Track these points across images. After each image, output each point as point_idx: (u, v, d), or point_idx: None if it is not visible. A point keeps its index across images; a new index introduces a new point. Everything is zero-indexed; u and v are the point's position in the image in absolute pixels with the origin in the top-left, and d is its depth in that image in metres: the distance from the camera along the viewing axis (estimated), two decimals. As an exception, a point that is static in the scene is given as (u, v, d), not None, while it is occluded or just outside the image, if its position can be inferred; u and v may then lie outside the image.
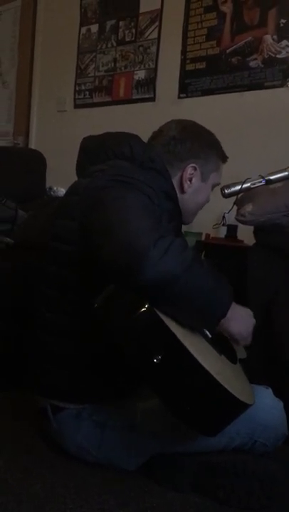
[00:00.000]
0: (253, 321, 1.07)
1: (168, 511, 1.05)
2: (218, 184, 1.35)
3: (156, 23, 2.79)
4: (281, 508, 1.08)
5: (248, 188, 1.44)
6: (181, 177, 1.25)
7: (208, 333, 1.04)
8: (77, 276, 1.11)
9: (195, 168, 1.25)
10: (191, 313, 0.95)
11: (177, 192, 1.25)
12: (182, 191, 1.26)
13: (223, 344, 1.09)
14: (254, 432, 1.12)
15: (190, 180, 1.26)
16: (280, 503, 1.08)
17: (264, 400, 1.11)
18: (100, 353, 1.11)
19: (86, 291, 0.99)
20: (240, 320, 1.02)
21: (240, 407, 0.95)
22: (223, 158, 1.32)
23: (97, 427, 1.16)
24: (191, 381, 0.92)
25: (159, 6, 2.77)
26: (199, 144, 1.26)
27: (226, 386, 0.90)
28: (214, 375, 0.89)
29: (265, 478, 1.09)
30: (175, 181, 1.25)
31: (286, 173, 1.46)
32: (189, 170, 1.25)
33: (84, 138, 1.29)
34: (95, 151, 1.23)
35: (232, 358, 1.11)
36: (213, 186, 1.33)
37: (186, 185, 1.25)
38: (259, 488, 1.08)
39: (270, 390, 1.16)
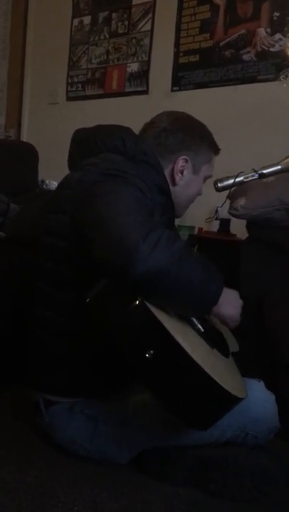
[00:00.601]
0: (241, 302, 1.08)
1: (160, 504, 1.06)
2: (210, 176, 1.34)
3: (150, 15, 2.77)
4: (272, 501, 1.09)
5: (241, 182, 1.44)
6: (173, 169, 1.25)
7: (200, 327, 1.04)
8: (74, 272, 1.11)
9: (186, 161, 1.25)
10: (183, 304, 0.96)
11: (169, 185, 1.24)
12: (174, 184, 1.25)
13: (215, 338, 1.09)
14: (246, 425, 1.12)
15: (181, 172, 1.25)
16: (271, 496, 1.09)
17: (256, 393, 1.11)
18: (95, 348, 1.11)
19: (83, 287, 0.98)
20: (229, 303, 1.04)
21: (233, 400, 0.95)
22: (216, 150, 1.32)
23: (90, 420, 1.16)
24: (183, 376, 0.92)
25: (152, -2, 2.75)
26: (191, 135, 1.25)
27: (218, 380, 0.90)
28: (206, 370, 0.90)
29: (257, 471, 1.09)
30: (166, 174, 1.24)
31: (279, 167, 1.46)
32: (180, 162, 1.24)
33: (76, 130, 1.28)
34: (87, 143, 1.22)
35: (224, 351, 1.11)
36: (205, 178, 1.32)
37: (177, 178, 1.25)
38: (250, 481, 1.08)
39: (262, 383, 1.16)
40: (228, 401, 0.95)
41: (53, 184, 2.67)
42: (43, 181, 2.70)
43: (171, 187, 1.25)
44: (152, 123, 1.28)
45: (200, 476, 1.11)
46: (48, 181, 2.68)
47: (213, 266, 0.98)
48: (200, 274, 0.94)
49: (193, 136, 1.25)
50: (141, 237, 0.88)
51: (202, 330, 1.05)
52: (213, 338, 1.07)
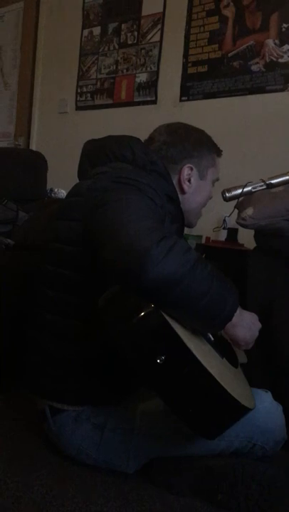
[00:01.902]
0: (259, 325, 1.06)
1: (166, 514, 1.05)
2: (217, 179, 1.35)
3: (159, 26, 2.80)
4: (280, 512, 1.08)
5: (249, 192, 1.44)
6: (180, 179, 1.26)
7: (210, 335, 1.04)
8: (82, 278, 1.11)
9: (191, 168, 1.26)
10: (194, 317, 0.93)
11: (178, 194, 1.25)
12: (183, 192, 1.27)
13: (224, 347, 1.09)
14: (253, 436, 1.12)
15: (188, 180, 1.27)
16: (278, 508, 1.08)
17: (263, 403, 1.11)
18: (101, 355, 1.11)
19: (91, 293, 0.98)
20: (246, 326, 1.01)
21: (242, 410, 0.95)
22: (217, 152, 1.33)
23: (96, 429, 1.15)
24: (193, 383, 0.92)
25: (161, 9, 2.78)
26: (190, 143, 1.27)
27: (228, 389, 0.90)
28: (217, 378, 0.89)
29: (264, 482, 1.08)
30: (175, 184, 1.26)
31: (287, 177, 1.46)
32: (186, 171, 1.26)
33: (86, 142, 1.30)
34: (97, 154, 1.24)
35: (233, 361, 1.11)
36: (213, 182, 1.34)
37: (185, 186, 1.26)
38: (258, 492, 1.07)
39: (269, 394, 1.16)
40: (236, 411, 0.95)
41: (62, 193, 2.69)
42: (51, 190, 2.71)
43: (180, 196, 1.27)
44: (151, 139, 1.30)
45: (207, 487, 1.10)
46: (56, 190, 2.70)
47: (230, 282, 0.96)
48: (214, 286, 0.91)
49: (192, 144, 1.27)
50: (154, 242, 0.87)
51: (212, 339, 1.05)
52: (223, 348, 1.07)
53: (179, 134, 1.28)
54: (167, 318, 0.91)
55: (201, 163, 1.28)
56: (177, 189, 1.26)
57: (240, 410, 0.95)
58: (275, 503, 1.07)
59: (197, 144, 1.28)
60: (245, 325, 1.00)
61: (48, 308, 1.17)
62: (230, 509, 1.07)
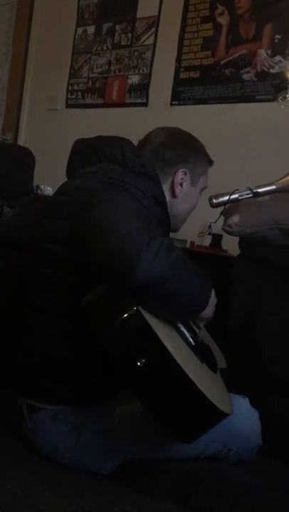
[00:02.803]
0: (215, 300, 1.10)
1: (140, 517, 1.05)
2: (205, 187, 1.37)
3: (153, 30, 2.81)
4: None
5: (236, 200, 1.46)
6: (172, 182, 1.27)
7: (191, 340, 1.05)
8: (70, 278, 1.11)
9: (185, 173, 1.27)
10: (175, 310, 0.99)
11: (168, 197, 1.26)
12: (173, 196, 1.28)
13: (204, 353, 1.10)
14: (229, 441, 1.13)
15: (180, 184, 1.27)
16: (251, 513, 1.09)
17: (241, 409, 1.12)
18: (83, 355, 1.11)
19: (78, 293, 0.99)
20: (209, 306, 1.06)
21: (219, 415, 0.96)
22: (210, 161, 1.35)
23: (73, 429, 1.15)
24: (172, 386, 0.93)
25: (156, 13, 2.79)
26: (187, 148, 1.28)
27: (207, 394, 0.91)
28: (196, 382, 0.90)
29: (238, 487, 1.09)
30: (166, 187, 1.26)
31: (274, 186, 1.48)
32: (180, 175, 1.27)
33: (76, 140, 1.29)
34: (87, 153, 1.23)
35: (213, 366, 1.12)
36: (202, 190, 1.35)
37: (177, 190, 1.27)
38: (231, 497, 1.08)
39: (247, 400, 1.17)
40: (214, 415, 0.96)
41: (48, 190, 2.68)
42: (38, 186, 2.70)
43: (170, 199, 1.27)
44: (148, 140, 1.31)
45: (181, 490, 1.11)
46: (43, 186, 2.69)
47: (205, 274, 1.02)
48: (194, 283, 0.98)
49: (189, 149, 1.28)
50: (143, 244, 0.90)
51: (193, 343, 1.06)
52: (203, 353, 1.08)
53: (177, 138, 1.29)
54: (149, 321, 0.92)
55: (195, 170, 1.29)
56: (168, 192, 1.27)
57: (217, 415, 0.96)
58: (249, 508, 1.08)
59: (193, 151, 1.29)
60: (209, 307, 1.05)
61: (32, 306, 1.17)
62: (203, 513, 1.08)
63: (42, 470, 1.16)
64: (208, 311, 1.06)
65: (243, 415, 1.13)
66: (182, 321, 1.07)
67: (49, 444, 1.17)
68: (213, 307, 1.09)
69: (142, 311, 0.92)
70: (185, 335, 1.05)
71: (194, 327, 1.12)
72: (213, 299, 1.08)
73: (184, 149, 1.27)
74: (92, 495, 1.09)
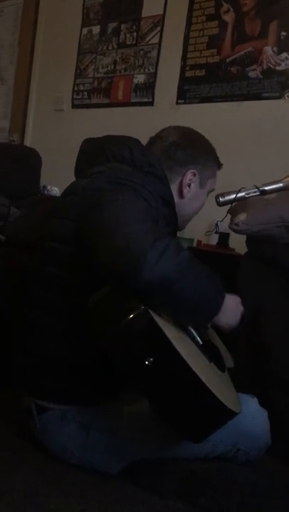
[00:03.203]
0: (242, 308, 1.09)
1: (149, 516, 1.05)
2: (212, 190, 1.36)
3: (158, 29, 2.80)
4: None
5: (243, 198, 1.45)
6: (181, 182, 1.26)
7: (199, 339, 1.05)
8: (75, 278, 1.11)
9: (194, 174, 1.26)
10: (185, 313, 0.97)
11: (175, 197, 1.26)
12: (181, 196, 1.27)
13: (212, 352, 1.10)
14: (237, 441, 1.13)
15: (189, 185, 1.27)
16: (260, 512, 1.09)
17: (249, 409, 1.12)
18: (90, 356, 1.11)
19: (82, 293, 0.99)
20: (229, 312, 1.04)
21: (228, 415, 0.96)
22: (219, 164, 1.34)
23: (82, 428, 1.15)
24: (181, 385, 0.93)
25: (161, 12, 2.79)
26: (199, 150, 1.27)
27: (215, 393, 0.91)
28: (204, 381, 0.90)
29: (246, 487, 1.09)
30: (174, 186, 1.26)
31: (281, 184, 1.47)
32: (189, 175, 1.26)
33: (84, 140, 1.30)
34: (95, 153, 1.23)
35: (220, 366, 1.11)
36: (209, 192, 1.34)
37: (185, 191, 1.26)
38: (239, 497, 1.08)
39: (255, 400, 1.16)
40: (223, 414, 0.95)
41: (55, 190, 2.68)
42: (44, 187, 2.71)
43: (178, 200, 1.26)
44: (159, 137, 1.29)
45: (189, 490, 1.10)
46: (49, 187, 2.69)
47: (217, 277, 1.00)
48: (204, 285, 0.96)
49: (200, 151, 1.27)
50: (148, 244, 0.89)
51: (200, 343, 1.05)
52: (210, 352, 1.07)
53: (189, 138, 1.28)
54: (157, 320, 0.91)
55: (203, 172, 1.28)
56: (175, 192, 1.26)
57: (226, 414, 0.96)
58: (256, 508, 1.08)
59: (204, 152, 1.28)
60: (228, 312, 1.03)
61: (33, 306, 1.17)
62: (212, 512, 1.07)
63: (50, 469, 1.17)
64: (228, 319, 1.04)
65: (251, 415, 1.12)
66: (193, 325, 1.05)
67: (58, 444, 1.17)
68: (237, 316, 1.07)
69: (150, 310, 0.92)
70: (193, 334, 1.05)
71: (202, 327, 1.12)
72: (235, 307, 1.06)
73: (195, 150, 1.27)
74: (100, 494, 1.10)
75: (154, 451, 1.14)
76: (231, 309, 1.05)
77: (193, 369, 0.90)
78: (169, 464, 1.13)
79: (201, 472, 1.11)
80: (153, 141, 1.30)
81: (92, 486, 1.13)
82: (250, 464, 1.16)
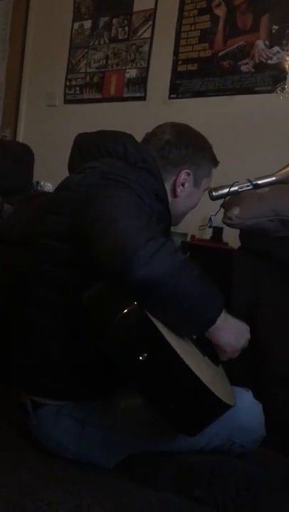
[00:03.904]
0: (248, 336, 1.06)
1: (145, 509, 1.06)
2: (208, 188, 1.36)
3: (150, 23, 2.79)
4: (257, 509, 1.09)
5: (236, 192, 1.46)
6: (175, 182, 1.26)
7: (193, 334, 1.06)
8: (69, 274, 1.11)
9: (189, 174, 1.26)
10: (178, 318, 0.95)
11: (169, 196, 1.25)
12: (175, 195, 1.27)
13: (206, 346, 1.10)
14: (232, 434, 1.13)
15: (183, 185, 1.26)
16: (255, 504, 1.09)
17: (244, 402, 1.12)
18: (85, 352, 1.11)
19: (77, 290, 0.98)
20: (230, 331, 1.01)
21: (223, 408, 0.96)
22: (215, 163, 1.33)
23: (77, 424, 1.15)
24: (175, 380, 0.93)
25: (153, 6, 2.77)
26: (193, 149, 1.26)
27: (210, 386, 0.91)
28: (198, 375, 0.90)
29: (242, 480, 1.09)
30: (168, 185, 1.26)
31: (273, 178, 1.48)
32: (183, 175, 1.25)
33: (78, 134, 1.29)
34: (89, 148, 1.23)
35: (215, 360, 1.12)
36: (204, 190, 1.34)
37: (178, 190, 1.26)
38: (235, 489, 1.09)
39: (250, 393, 1.17)
40: (217, 408, 0.96)
41: (48, 186, 2.67)
42: (37, 183, 2.70)
43: (171, 198, 1.26)
44: (154, 134, 1.29)
45: (185, 483, 1.11)
46: (42, 183, 2.68)
47: (215, 286, 0.97)
48: (199, 290, 0.93)
49: (195, 151, 1.26)
50: (141, 242, 0.89)
51: (194, 337, 1.06)
52: (204, 346, 1.08)
53: (185, 138, 1.27)
54: (150, 315, 0.92)
55: (198, 171, 1.28)
56: (169, 191, 1.26)
57: (221, 407, 0.96)
58: (252, 500, 1.09)
59: (199, 152, 1.27)
60: (229, 330, 1.01)
61: (33, 304, 1.17)
62: (208, 505, 1.08)
63: (46, 464, 1.17)
64: (229, 337, 1.01)
65: (246, 408, 1.13)
66: (190, 332, 1.03)
67: (54, 439, 1.18)
68: (239, 340, 1.03)
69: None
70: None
71: None
72: (237, 327, 1.03)
73: (189, 151, 1.25)
74: (95, 488, 1.10)
75: (150, 445, 1.14)
76: (237, 331, 1.03)
77: (187, 363, 0.90)
78: (165, 458, 1.14)
79: (197, 465, 1.11)
80: (148, 138, 1.30)
81: (88, 480, 1.13)
82: (245, 456, 1.16)
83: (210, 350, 1.10)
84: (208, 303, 0.95)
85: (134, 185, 1.08)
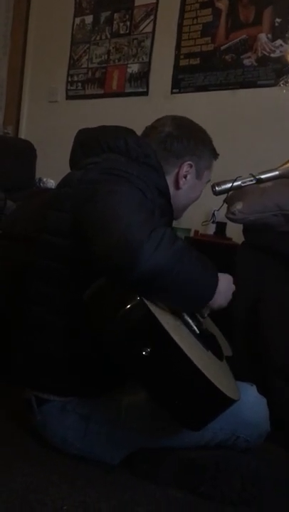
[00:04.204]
0: (233, 287, 1.10)
1: (149, 505, 1.06)
2: (208, 181, 1.35)
3: (152, 17, 2.78)
4: (262, 504, 1.09)
5: (239, 187, 1.44)
6: (177, 174, 1.25)
7: (195, 328, 1.05)
8: (71, 271, 1.11)
9: (191, 166, 1.26)
10: (180, 300, 0.98)
11: (171, 188, 1.25)
12: (177, 187, 1.26)
13: (209, 340, 1.10)
14: (237, 428, 1.13)
15: (185, 177, 1.26)
16: (260, 499, 1.09)
17: (248, 396, 1.12)
18: (88, 348, 1.11)
19: (79, 286, 0.98)
20: (222, 295, 1.05)
21: (227, 402, 0.96)
22: (215, 155, 1.33)
23: (82, 420, 1.16)
24: (179, 374, 0.93)
25: (154, 0, 2.76)
26: (195, 141, 1.26)
27: (214, 381, 0.91)
28: (202, 370, 0.90)
29: (246, 474, 1.09)
30: (171, 178, 1.25)
31: (277, 172, 1.46)
32: (185, 167, 1.25)
33: (79, 130, 1.28)
34: (90, 143, 1.22)
35: (218, 354, 1.12)
36: (205, 183, 1.34)
37: (181, 182, 1.26)
38: (240, 484, 1.09)
39: (254, 387, 1.17)
40: (221, 402, 0.96)
41: (50, 182, 2.67)
42: (40, 179, 2.69)
43: (174, 191, 1.26)
44: (154, 128, 1.28)
45: (190, 478, 1.11)
46: (45, 179, 2.68)
47: (210, 263, 1.01)
48: (199, 272, 0.97)
49: (197, 142, 1.26)
50: (144, 236, 0.89)
51: (197, 331, 1.05)
52: (208, 341, 1.08)
53: (186, 129, 1.26)
54: (153, 310, 0.91)
55: (200, 163, 1.27)
56: (171, 184, 1.25)
57: (225, 402, 0.96)
58: (258, 495, 1.09)
59: (200, 143, 1.27)
60: (221, 295, 1.04)
61: (34, 301, 1.17)
62: (213, 500, 1.08)
63: (51, 461, 1.17)
64: (221, 299, 1.05)
65: (250, 402, 1.13)
66: (189, 311, 1.06)
67: (58, 435, 1.18)
68: (229, 295, 1.08)
69: (145, 300, 0.92)
70: (189, 323, 1.05)
71: (198, 316, 1.12)
72: (227, 288, 1.07)
73: (191, 142, 1.25)
74: (100, 485, 1.10)
75: (154, 441, 1.14)
76: (224, 291, 1.06)
77: (191, 358, 0.90)
78: (169, 453, 1.14)
79: (201, 460, 1.11)
80: (148, 131, 1.29)
81: (92, 476, 1.13)
82: (250, 451, 1.16)
83: (213, 344, 1.10)
84: (208, 282, 0.99)
85: (135, 179, 1.07)
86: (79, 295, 0.97)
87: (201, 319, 1.13)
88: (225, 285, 1.07)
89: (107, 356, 0.97)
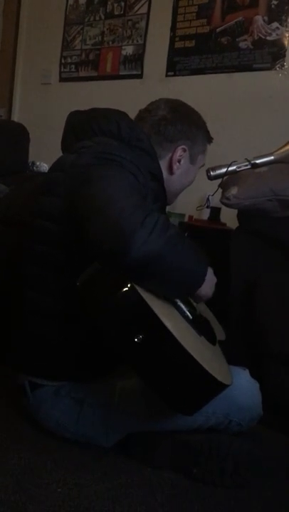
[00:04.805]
0: (215, 279, 1.10)
1: (143, 487, 1.07)
2: (202, 165, 1.34)
3: (146, -2, 2.73)
4: (254, 487, 1.11)
5: (234, 171, 1.44)
6: (171, 158, 1.24)
7: (188, 314, 1.05)
8: (65, 256, 1.10)
9: (184, 150, 1.25)
10: (172, 287, 0.99)
11: (165, 173, 1.24)
12: (171, 172, 1.26)
13: (202, 326, 1.10)
14: (230, 412, 1.14)
15: (179, 161, 1.25)
16: (252, 482, 1.11)
17: (241, 380, 1.13)
18: (82, 333, 1.11)
19: (73, 271, 0.98)
20: (208, 284, 1.05)
21: (219, 387, 0.96)
22: (209, 139, 1.32)
23: (75, 404, 1.16)
24: (171, 360, 0.93)
25: (149, -20, 2.71)
26: (189, 125, 1.25)
27: (206, 366, 0.92)
28: (194, 356, 0.91)
29: (239, 457, 1.11)
30: (164, 162, 1.24)
31: (272, 157, 1.46)
32: (179, 151, 1.24)
33: (70, 113, 1.27)
34: (82, 126, 1.21)
35: (211, 339, 1.12)
36: (199, 167, 1.33)
37: (175, 167, 1.25)
38: (233, 467, 1.10)
39: (247, 371, 1.17)
40: (213, 387, 0.96)
41: (44, 166, 2.65)
42: (33, 163, 2.67)
43: (167, 175, 1.25)
44: (149, 111, 1.27)
45: (183, 461, 1.12)
46: (38, 163, 2.66)
47: (201, 251, 1.01)
48: (190, 260, 0.97)
49: (191, 126, 1.25)
50: (138, 222, 0.89)
51: (190, 317, 1.06)
52: (201, 326, 1.08)
53: (180, 113, 1.25)
54: (144, 296, 0.91)
55: (194, 147, 1.26)
56: (165, 168, 1.25)
57: (217, 386, 0.97)
58: (250, 477, 1.10)
59: (194, 127, 1.26)
60: (207, 283, 1.04)
61: (29, 285, 1.16)
62: (206, 483, 1.10)
63: (45, 444, 1.18)
64: (207, 289, 1.05)
65: (243, 386, 1.13)
66: (179, 297, 1.07)
67: (52, 419, 1.18)
68: (213, 286, 1.08)
69: (137, 287, 0.92)
70: (182, 309, 1.05)
71: (192, 301, 1.12)
72: (211, 278, 1.07)
73: (185, 126, 1.24)
74: (95, 468, 1.11)
75: (147, 425, 1.15)
76: (210, 280, 1.06)
77: (182, 343, 0.90)
78: (162, 436, 1.15)
79: (194, 443, 1.12)
80: (142, 115, 1.28)
81: (86, 459, 1.14)
82: (243, 434, 1.17)
83: (206, 330, 1.10)
84: (199, 269, 1.00)
85: (128, 164, 1.06)
86: (74, 280, 0.97)
87: (195, 304, 1.13)
88: (210, 275, 1.07)
89: (102, 341, 0.97)
